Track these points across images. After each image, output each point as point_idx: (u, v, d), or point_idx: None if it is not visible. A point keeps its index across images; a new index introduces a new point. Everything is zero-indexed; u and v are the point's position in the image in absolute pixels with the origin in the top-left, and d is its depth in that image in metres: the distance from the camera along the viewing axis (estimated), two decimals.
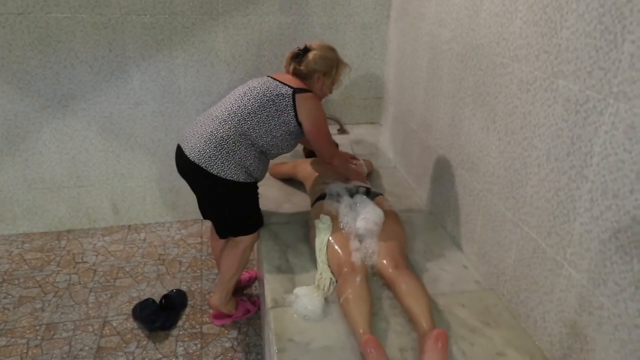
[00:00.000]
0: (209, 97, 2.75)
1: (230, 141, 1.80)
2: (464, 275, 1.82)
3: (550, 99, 1.36)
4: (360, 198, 1.93)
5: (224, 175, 1.81)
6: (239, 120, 1.81)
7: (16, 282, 2.45)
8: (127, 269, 2.57)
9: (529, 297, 1.52)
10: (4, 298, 2.32)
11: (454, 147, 2.01)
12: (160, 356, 2.00)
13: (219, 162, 1.80)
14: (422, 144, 2.36)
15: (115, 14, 2.49)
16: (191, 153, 1.82)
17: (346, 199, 1.93)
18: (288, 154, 2.65)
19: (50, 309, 2.26)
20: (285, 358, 1.41)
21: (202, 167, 1.80)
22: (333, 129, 2.93)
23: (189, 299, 2.34)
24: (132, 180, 2.91)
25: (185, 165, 1.85)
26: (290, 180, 2.50)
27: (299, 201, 2.31)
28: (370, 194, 2.00)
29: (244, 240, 2.01)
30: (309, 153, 2.55)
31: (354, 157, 2.37)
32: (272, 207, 2.29)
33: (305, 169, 2.34)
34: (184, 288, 2.41)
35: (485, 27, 1.70)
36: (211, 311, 2.21)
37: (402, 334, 1.51)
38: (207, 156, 1.80)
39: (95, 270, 2.55)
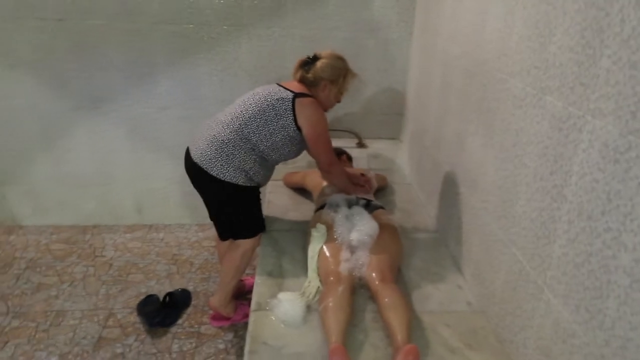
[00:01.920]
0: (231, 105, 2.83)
1: (231, 145, 1.85)
2: (456, 295, 1.77)
3: (538, 116, 1.32)
4: (358, 210, 1.92)
5: (223, 177, 1.86)
6: (240, 124, 1.86)
7: (38, 269, 2.60)
8: (140, 266, 2.67)
9: (513, 322, 1.46)
10: (24, 284, 2.47)
11: (458, 164, 1.97)
12: (155, 351, 2.06)
13: (219, 164, 1.85)
14: (433, 160, 2.33)
15: (147, 23, 2.64)
16: (195, 154, 1.89)
17: (344, 209, 1.93)
18: (304, 164, 2.71)
19: (64, 297, 2.38)
20: (255, 359, 1.43)
21: (203, 169, 1.86)
22: (351, 142, 2.94)
23: (193, 299, 2.40)
24: (156, 182, 3.03)
25: (190, 166, 1.92)
26: (303, 190, 2.53)
27: (305, 210, 2.32)
28: (370, 207, 1.99)
29: (243, 243, 2.04)
30: None
31: (362, 173, 2.36)
32: (278, 213, 2.32)
33: (314, 179, 2.36)
34: (190, 288, 2.47)
35: (490, 42, 1.67)
36: (211, 312, 2.25)
37: (378, 347, 1.49)
38: (208, 158, 1.85)
39: (111, 265, 2.67)
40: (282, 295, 1.64)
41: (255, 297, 1.71)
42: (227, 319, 2.22)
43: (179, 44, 2.70)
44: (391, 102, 2.97)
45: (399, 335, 1.44)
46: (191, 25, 2.67)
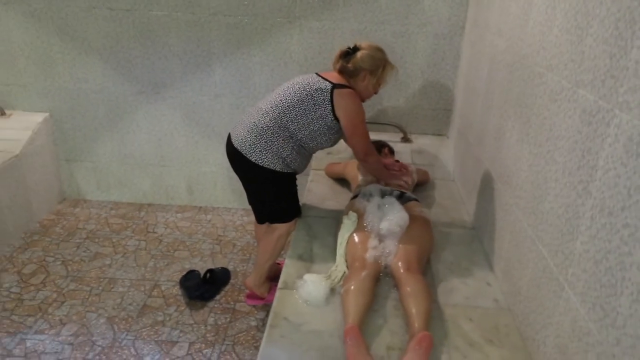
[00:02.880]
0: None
1: (270, 132, 1.92)
2: (484, 291, 1.75)
3: (571, 110, 1.29)
4: (390, 200, 1.94)
5: (261, 163, 1.94)
6: (279, 112, 1.92)
7: (96, 240, 2.82)
8: (187, 243, 2.82)
9: (536, 320, 1.43)
10: (84, 252, 2.69)
11: (496, 159, 1.94)
12: (192, 322, 2.19)
13: (257, 150, 1.93)
14: (474, 157, 2.29)
15: (205, 14, 2.78)
16: (236, 140, 1.98)
17: (376, 199, 1.96)
18: (347, 155, 2.75)
19: (116, 266, 2.57)
20: (274, 333, 1.50)
21: (243, 154, 1.95)
22: (397, 136, 2.95)
23: (232, 278, 2.52)
24: (207, 166, 3.19)
25: (231, 152, 2.02)
26: (344, 181, 2.57)
27: (343, 199, 2.36)
28: (403, 198, 2.00)
29: (279, 227, 2.12)
30: None
31: (403, 165, 2.37)
32: (315, 201, 2.38)
33: (353, 170, 2.40)
34: (230, 268, 2.59)
35: (532, 36, 1.63)
36: (247, 291, 2.35)
37: (395, 333, 1.51)
38: (248, 144, 1.94)
39: (161, 240, 2.84)
40: (308, 277, 1.70)
41: (283, 277, 1.78)
42: (261, 298, 2.31)
43: (234, 35, 2.82)
44: (439, 97, 2.94)
45: (416, 322, 1.46)
46: (246, 17, 2.78)
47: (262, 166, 1.94)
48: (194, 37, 2.84)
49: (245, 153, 1.95)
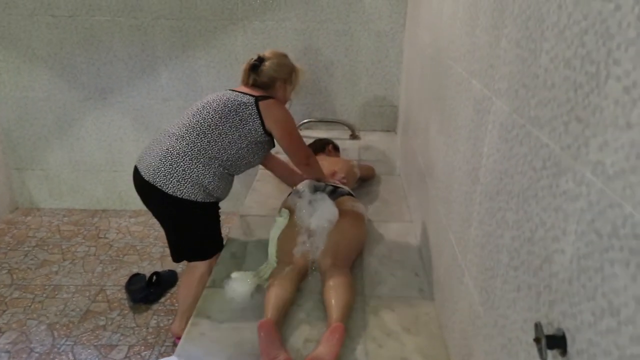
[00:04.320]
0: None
1: (187, 158, 1.74)
2: (411, 282, 1.78)
3: (467, 99, 1.32)
4: (321, 195, 1.96)
5: (180, 194, 1.74)
6: (197, 135, 1.76)
7: (45, 247, 2.80)
8: (138, 248, 2.81)
9: (448, 307, 1.46)
10: (31, 260, 2.67)
11: (425, 152, 1.97)
12: (134, 325, 2.18)
13: (174, 180, 1.73)
14: (412, 150, 2.33)
15: (147, 18, 2.78)
16: (146, 172, 1.76)
17: (307, 195, 1.97)
18: None
19: (63, 273, 2.55)
20: (194, 331, 1.51)
21: (156, 187, 1.74)
22: (345, 134, 2.97)
23: (179, 279, 2.51)
24: None
25: (141, 185, 1.79)
26: None
27: None
28: (335, 193, 2.02)
29: (199, 266, 1.91)
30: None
31: (335, 171, 2.26)
32: (258, 200, 2.40)
33: None
34: (178, 270, 2.59)
35: (444, 29, 1.67)
36: (174, 339, 2.09)
37: (315, 326, 1.53)
38: (162, 175, 1.73)
39: (111, 246, 2.83)
40: (234, 274, 1.71)
41: (212, 275, 1.79)
42: None
43: (178, 38, 2.83)
44: (385, 94, 2.97)
45: (334, 314, 1.48)
46: (189, 20, 2.78)
47: (181, 198, 1.74)
48: (138, 42, 2.84)
49: (160, 185, 1.73)
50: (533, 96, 0.86)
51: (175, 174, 1.74)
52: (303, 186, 2.05)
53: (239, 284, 1.66)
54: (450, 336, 1.41)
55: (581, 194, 0.68)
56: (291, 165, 2.09)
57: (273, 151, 2.07)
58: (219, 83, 2.91)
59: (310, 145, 2.54)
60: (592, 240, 0.65)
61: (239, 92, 1.87)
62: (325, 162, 2.33)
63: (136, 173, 1.82)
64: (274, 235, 1.88)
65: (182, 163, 1.74)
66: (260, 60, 1.91)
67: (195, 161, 1.75)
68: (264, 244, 1.97)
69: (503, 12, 1.05)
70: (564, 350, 0.72)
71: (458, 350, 1.32)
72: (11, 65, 2.91)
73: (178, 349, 1.43)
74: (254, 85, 1.91)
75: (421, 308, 1.63)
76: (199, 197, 1.78)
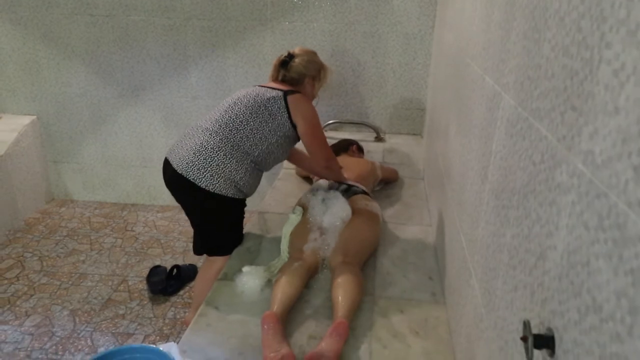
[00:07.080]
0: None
1: (222, 153, 1.75)
2: (424, 285, 1.74)
3: (481, 97, 1.29)
4: (335, 194, 1.95)
5: (212, 189, 1.75)
6: (230, 130, 1.77)
7: (75, 237, 2.90)
8: (162, 242, 2.88)
9: (457, 311, 1.42)
10: (61, 248, 2.78)
11: (445, 154, 1.93)
12: (152, 315, 2.23)
13: (207, 175, 1.74)
14: (435, 153, 2.29)
15: (180, 18, 2.86)
16: (179, 165, 1.76)
17: (321, 193, 1.97)
18: None
19: (89, 262, 2.64)
20: (201, 321, 1.52)
21: (189, 180, 1.74)
22: (370, 136, 2.95)
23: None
24: None
25: (173, 178, 1.79)
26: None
27: None
28: (349, 192, 2.00)
29: (218, 260, 1.92)
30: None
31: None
32: (277, 198, 2.41)
33: None
34: (199, 265, 2.62)
35: (465, 28, 1.64)
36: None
37: (321, 324, 1.51)
38: (196, 168, 1.74)
39: (137, 239, 2.91)
40: (246, 268, 1.72)
41: (225, 269, 1.80)
42: None
43: (209, 38, 2.89)
44: (413, 97, 2.94)
45: (339, 311, 1.46)
46: (219, 21, 2.84)
47: (213, 192, 1.75)
48: (170, 41, 2.92)
49: (193, 178, 1.74)
50: (535, 87, 0.83)
51: (209, 168, 1.74)
52: (320, 184, 2.04)
53: (250, 278, 1.67)
54: (458, 341, 1.37)
55: (572, 186, 0.65)
56: None
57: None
58: (246, 82, 2.95)
59: (335, 144, 2.55)
60: (581, 235, 0.62)
61: (267, 87, 1.89)
62: (347, 162, 2.32)
63: (167, 165, 1.82)
64: (286, 231, 1.88)
65: (216, 158, 1.75)
66: (290, 56, 1.93)
67: (229, 157, 1.76)
68: (279, 241, 1.97)
69: (514, 4, 1.02)
70: (552, 351, 0.68)
71: (464, 356, 1.28)
72: (52, 62, 3.04)
73: (183, 338, 1.45)
74: (283, 81, 1.94)
75: (432, 312, 1.59)
76: (230, 193, 1.79)
